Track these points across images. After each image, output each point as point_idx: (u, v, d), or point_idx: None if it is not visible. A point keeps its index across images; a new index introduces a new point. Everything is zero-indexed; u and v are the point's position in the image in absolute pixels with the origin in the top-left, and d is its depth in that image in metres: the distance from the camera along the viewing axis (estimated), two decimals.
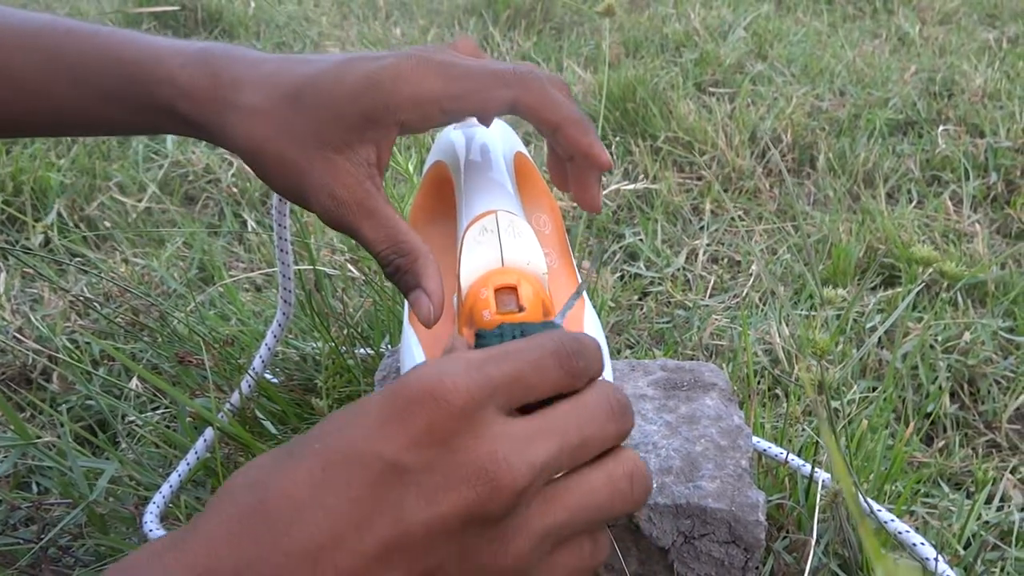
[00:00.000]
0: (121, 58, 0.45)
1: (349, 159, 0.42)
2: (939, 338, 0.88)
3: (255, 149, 0.42)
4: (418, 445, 0.29)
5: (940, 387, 0.82)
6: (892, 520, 0.58)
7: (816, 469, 0.61)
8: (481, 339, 0.37)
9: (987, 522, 0.67)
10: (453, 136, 0.53)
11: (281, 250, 0.65)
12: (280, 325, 0.70)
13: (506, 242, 0.42)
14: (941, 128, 1.34)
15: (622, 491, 0.32)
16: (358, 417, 0.30)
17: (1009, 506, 0.69)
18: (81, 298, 0.97)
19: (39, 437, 0.65)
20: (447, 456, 0.29)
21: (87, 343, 0.90)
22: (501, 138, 0.53)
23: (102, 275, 1.00)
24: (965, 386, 0.83)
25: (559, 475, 0.32)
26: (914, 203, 1.18)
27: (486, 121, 0.46)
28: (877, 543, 0.18)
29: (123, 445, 0.75)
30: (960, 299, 0.95)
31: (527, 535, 0.31)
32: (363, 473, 0.29)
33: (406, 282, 0.42)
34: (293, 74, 0.43)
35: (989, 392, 0.82)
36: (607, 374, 0.48)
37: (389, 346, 0.80)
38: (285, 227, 0.64)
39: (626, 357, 0.88)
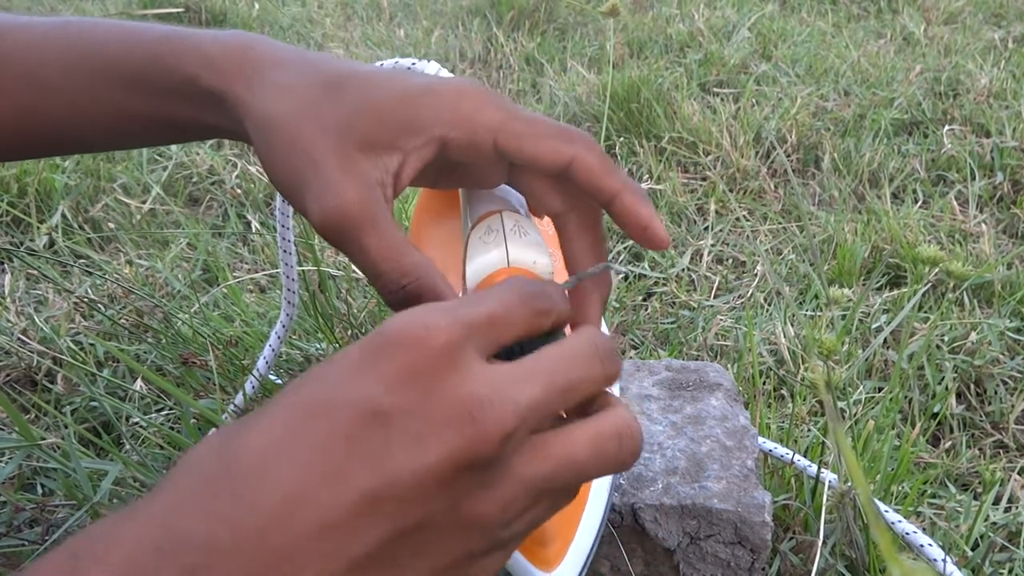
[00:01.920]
0: (146, 39, 0.42)
1: (370, 161, 0.37)
2: (945, 338, 0.87)
3: (271, 124, 0.38)
4: (397, 387, 0.28)
5: (947, 387, 0.82)
6: (900, 521, 0.57)
7: (822, 470, 0.61)
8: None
9: (995, 523, 0.66)
10: None
11: (285, 251, 0.65)
12: (284, 326, 0.70)
13: (511, 242, 0.42)
14: (946, 128, 1.34)
15: (609, 451, 0.31)
16: (333, 365, 0.29)
17: (1017, 507, 0.69)
18: (85, 299, 0.97)
19: (43, 439, 0.65)
20: (429, 398, 0.28)
21: (91, 344, 0.90)
22: None
23: (106, 277, 1.00)
24: (972, 386, 0.83)
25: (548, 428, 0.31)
26: (919, 203, 1.17)
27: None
28: (892, 545, 0.18)
29: (127, 447, 0.75)
30: (966, 299, 0.94)
31: (513, 484, 0.29)
32: (338, 420, 0.27)
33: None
34: (340, 65, 0.39)
35: (996, 392, 0.82)
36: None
37: None
38: (289, 228, 0.64)
39: (631, 357, 0.87)
